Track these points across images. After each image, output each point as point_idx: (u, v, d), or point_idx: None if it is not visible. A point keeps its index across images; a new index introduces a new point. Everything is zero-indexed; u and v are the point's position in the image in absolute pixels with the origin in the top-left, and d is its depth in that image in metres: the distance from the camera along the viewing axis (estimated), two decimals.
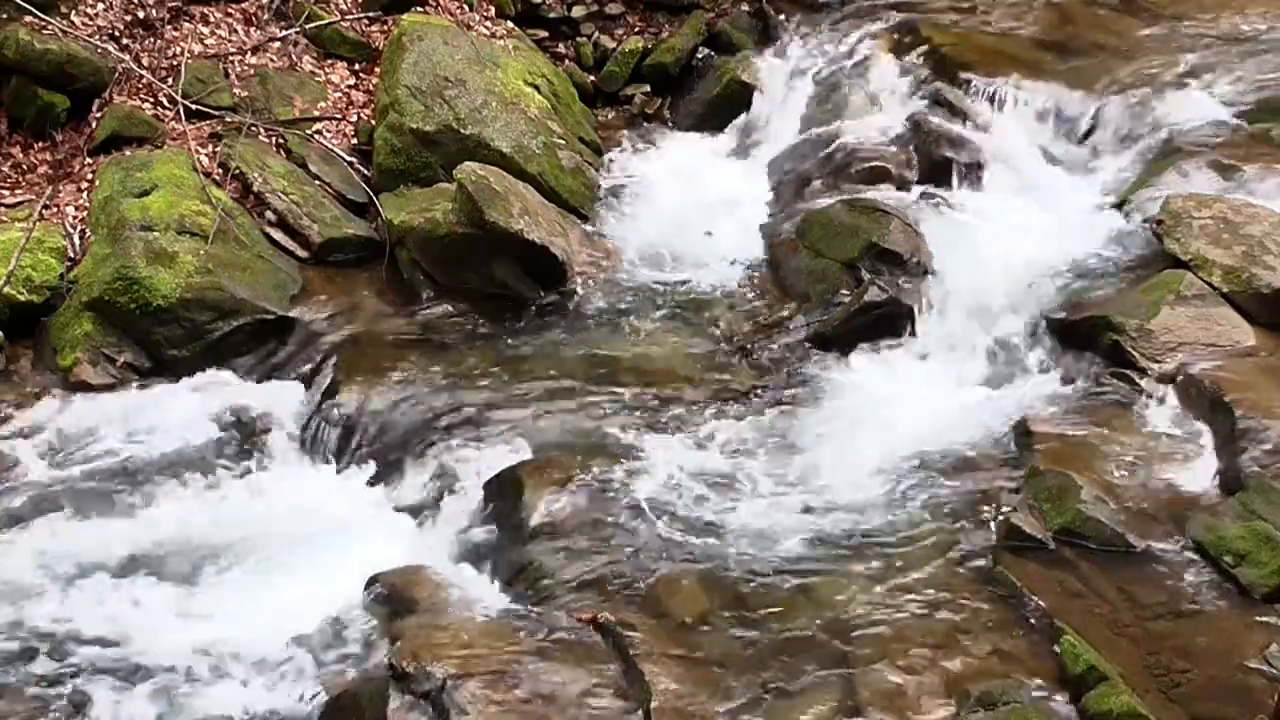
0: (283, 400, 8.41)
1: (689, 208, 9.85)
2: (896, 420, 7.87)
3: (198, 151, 9.38)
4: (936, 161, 9.40)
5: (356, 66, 10.42)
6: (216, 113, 9.72)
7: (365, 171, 9.67)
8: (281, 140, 9.73)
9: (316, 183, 9.55)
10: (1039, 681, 6.08)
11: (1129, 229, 8.67)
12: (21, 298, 8.70)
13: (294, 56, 10.31)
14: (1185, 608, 6.49)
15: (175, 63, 9.88)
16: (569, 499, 7.33)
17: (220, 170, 9.36)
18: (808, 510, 7.28)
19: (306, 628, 6.82)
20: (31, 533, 7.49)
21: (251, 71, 10.11)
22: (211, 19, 10.31)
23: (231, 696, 6.52)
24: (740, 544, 7.06)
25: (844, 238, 8.91)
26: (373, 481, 7.91)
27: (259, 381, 8.57)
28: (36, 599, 7.02)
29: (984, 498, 7.22)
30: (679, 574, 6.85)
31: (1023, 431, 7.54)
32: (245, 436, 8.20)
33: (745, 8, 11.22)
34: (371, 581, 6.99)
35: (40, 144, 9.67)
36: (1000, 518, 7.01)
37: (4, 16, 9.58)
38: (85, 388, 8.41)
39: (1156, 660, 6.20)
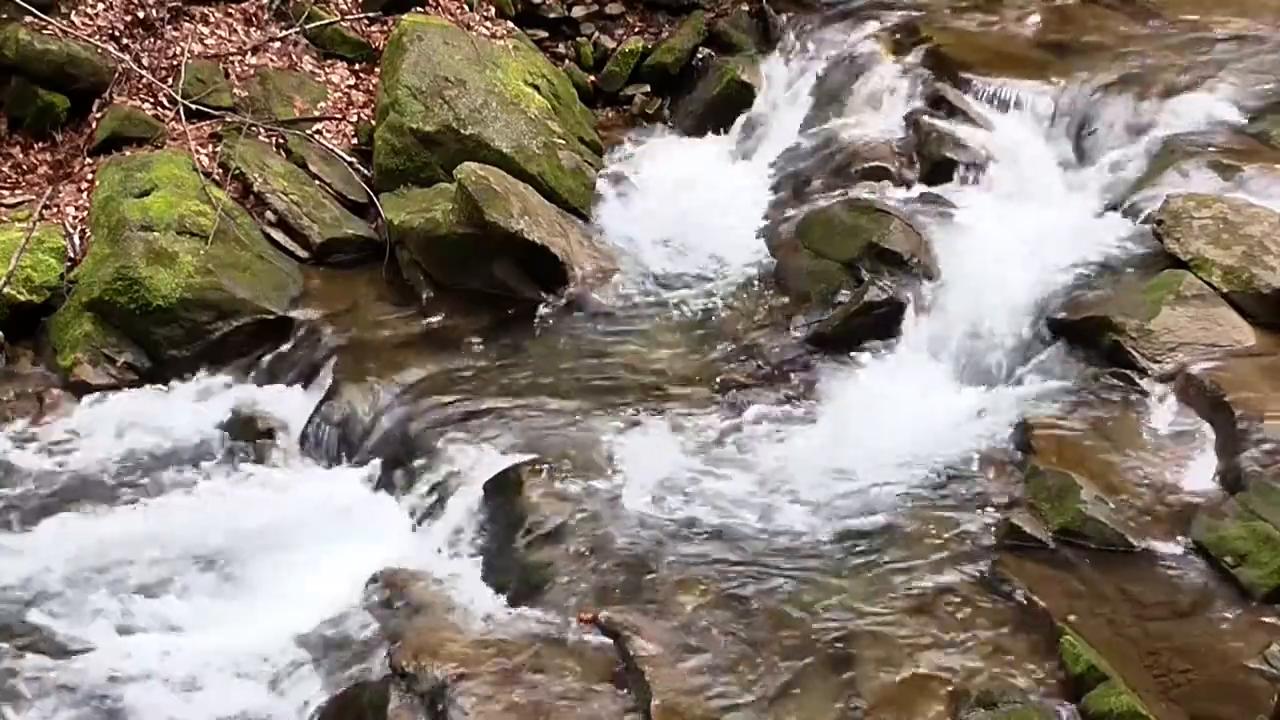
0: (283, 401, 8.42)
1: (689, 208, 9.85)
2: (896, 420, 7.87)
3: (198, 151, 9.39)
4: (937, 161, 9.40)
5: (356, 66, 10.43)
6: (216, 113, 9.72)
7: (365, 171, 9.67)
8: (281, 140, 9.74)
9: (316, 183, 9.56)
10: (1039, 681, 6.07)
11: (1129, 229, 8.66)
12: (21, 298, 8.71)
13: (294, 56, 10.32)
14: (1185, 608, 6.48)
15: (175, 63, 9.89)
16: (569, 499, 7.33)
17: (220, 170, 9.36)
18: (808, 510, 7.28)
19: (306, 628, 6.82)
20: (31, 533, 7.49)
21: (251, 71, 10.12)
22: (211, 19, 10.31)
23: (231, 696, 6.51)
24: (741, 543, 7.06)
25: (844, 238, 8.91)
26: (373, 481, 7.90)
27: (259, 382, 8.58)
28: (36, 600, 7.02)
29: (984, 498, 7.21)
30: (679, 574, 6.85)
31: (1023, 431, 7.54)
32: (245, 437, 8.21)
33: (745, 8, 11.22)
34: (371, 581, 6.99)
35: (40, 144, 9.68)
36: (1000, 518, 7.01)
37: (4, 16, 9.59)
38: (85, 388, 8.42)
39: (1156, 660, 6.19)
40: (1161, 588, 6.59)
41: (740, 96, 10.66)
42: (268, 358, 8.70)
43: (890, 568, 6.83)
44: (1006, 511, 7.03)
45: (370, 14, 10.59)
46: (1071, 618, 6.32)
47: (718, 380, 8.34)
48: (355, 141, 9.95)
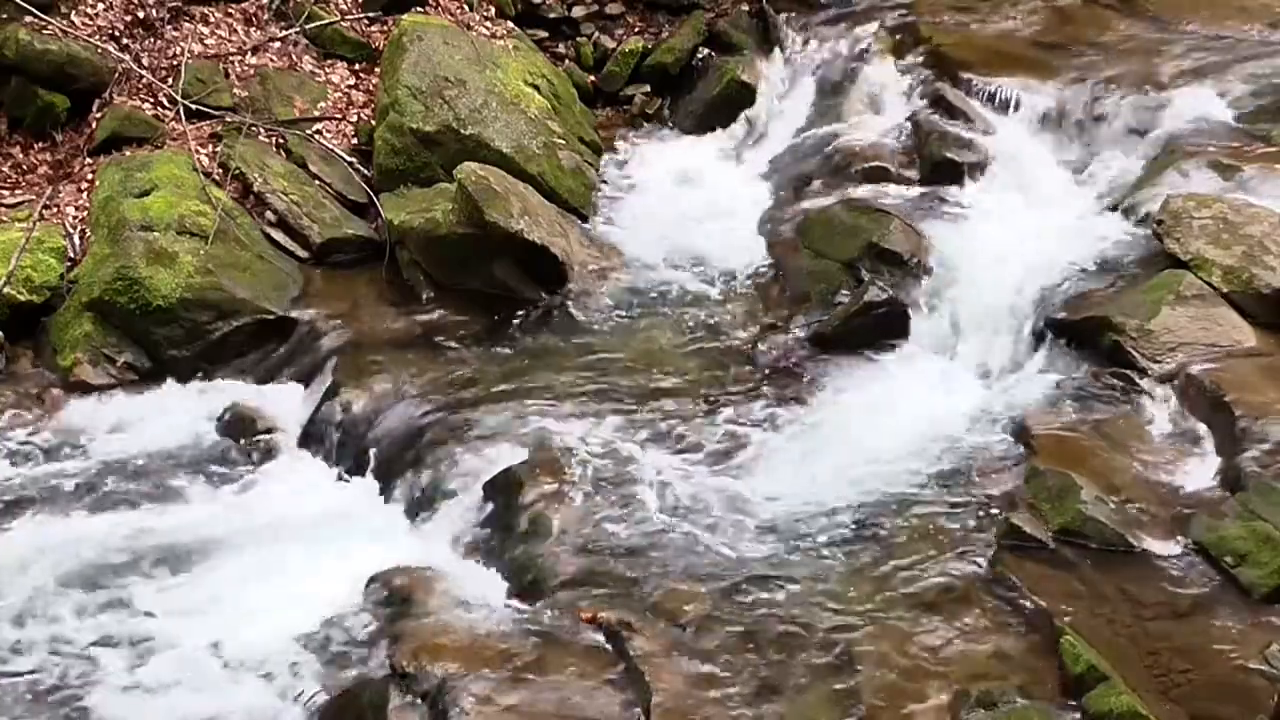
0: (283, 400, 8.41)
1: (689, 208, 9.85)
2: (897, 420, 7.87)
3: (198, 151, 9.38)
4: (937, 161, 9.39)
5: (356, 66, 10.42)
6: (216, 113, 9.72)
7: (365, 171, 9.67)
8: (281, 140, 9.73)
9: (316, 183, 9.55)
10: (1039, 681, 6.08)
11: (1129, 229, 8.67)
12: (21, 298, 8.71)
13: (294, 56, 10.31)
14: (1185, 608, 6.48)
15: (175, 63, 9.88)
16: (569, 499, 7.33)
17: (220, 170, 9.36)
18: (808, 510, 7.28)
19: (306, 628, 6.82)
20: (31, 533, 7.49)
21: (251, 71, 10.11)
22: (211, 19, 10.31)
23: (231, 697, 6.51)
24: (740, 544, 7.07)
25: (844, 238, 8.91)
26: (373, 481, 7.91)
27: (259, 382, 8.58)
28: (35, 599, 7.02)
29: (984, 498, 7.22)
30: (679, 574, 6.86)
31: (1023, 431, 7.54)
32: (245, 437, 8.21)
33: (745, 8, 11.21)
34: (371, 581, 6.99)
35: (40, 144, 9.67)
36: (1000, 518, 7.01)
37: (4, 16, 9.58)
38: (85, 388, 8.42)
39: (1156, 660, 6.20)
40: (1161, 588, 6.59)
41: (740, 96, 10.65)
42: (268, 358, 8.70)
43: (890, 567, 6.83)
44: (1006, 511, 7.03)
45: (370, 14, 10.59)
46: (1071, 618, 6.32)
47: (717, 380, 8.34)
48: (355, 141, 9.95)
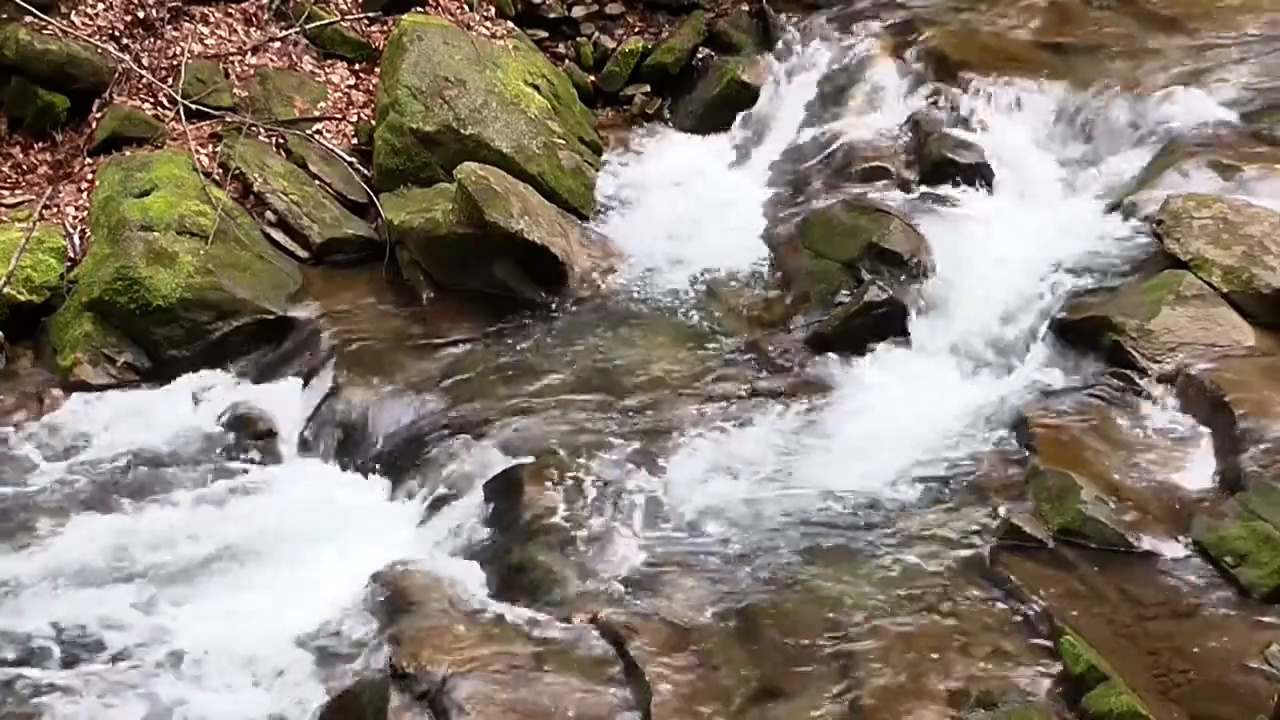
0: (282, 401, 8.41)
1: (689, 208, 9.86)
2: (897, 420, 7.87)
3: (198, 151, 9.39)
4: (936, 161, 9.39)
5: (356, 66, 10.43)
6: (216, 113, 9.72)
7: (365, 171, 9.67)
8: (281, 140, 9.74)
9: (316, 183, 9.56)
10: (1039, 681, 6.07)
11: (1129, 229, 8.66)
12: (21, 298, 8.71)
13: (294, 56, 10.32)
14: (1185, 608, 6.48)
15: (175, 63, 9.89)
16: (569, 499, 7.33)
17: (220, 170, 9.37)
18: (808, 510, 7.28)
19: (306, 628, 6.82)
20: (31, 533, 7.49)
21: (251, 71, 10.12)
22: (211, 19, 10.31)
23: (231, 697, 6.52)
24: (740, 544, 7.07)
25: (844, 238, 8.91)
26: (372, 481, 7.91)
27: (259, 382, 8.58)
28: (35, 600, 7.02)
29: (984, 498, 7.22)
30: (679, 574, 6.86)
31: (1023, 431, 7.54)
32: (245, 437, 8.21)
33: (745, 8, 11.22)
34: (371, 581, 6.99)
35: (40, 144, 9.68)
36: (1000, 518, 7.01)
37: (4, 16, 9.59)
38: (85, 388, 8.42)
39: (1156, 660, 6.19)
40: (1161, 588, 6.59)
41: (740, 96, 10.66)
42: (268, 358, 8.70)
43: (890, 567, 6.83)
44: (1006, 511, 7.02)
45: (370, 14, 10.60)
46: (1071, 618, 6.32)
47: (717, 381, 8.34)
48: (355, 141, 9.95)
